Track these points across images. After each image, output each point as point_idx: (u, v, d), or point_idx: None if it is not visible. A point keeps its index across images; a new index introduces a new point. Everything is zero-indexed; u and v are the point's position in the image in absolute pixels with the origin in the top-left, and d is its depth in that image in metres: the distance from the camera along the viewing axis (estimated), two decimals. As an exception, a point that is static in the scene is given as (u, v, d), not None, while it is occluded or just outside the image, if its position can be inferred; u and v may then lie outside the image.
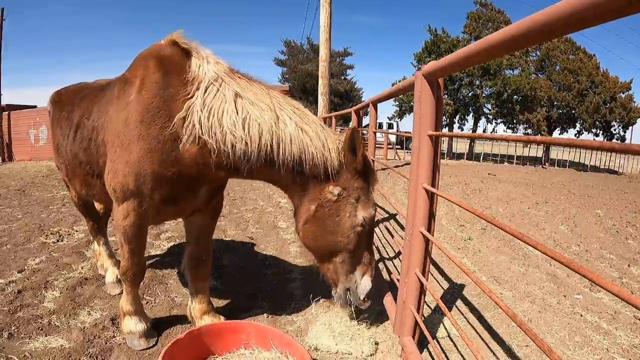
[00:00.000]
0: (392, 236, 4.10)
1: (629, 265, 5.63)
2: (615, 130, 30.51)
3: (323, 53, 15.74)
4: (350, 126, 7.42)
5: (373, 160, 5.31)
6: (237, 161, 2.59)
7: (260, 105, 2.57)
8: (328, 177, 2.66)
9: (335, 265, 2.86)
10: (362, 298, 2.91)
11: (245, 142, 2.52)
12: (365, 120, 17.29)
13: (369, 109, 5.26)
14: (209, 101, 2.55)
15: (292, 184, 2.75)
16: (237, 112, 2.53)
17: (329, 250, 2.81)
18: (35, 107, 23.49)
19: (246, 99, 2.58)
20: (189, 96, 2.58)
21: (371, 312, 3.46)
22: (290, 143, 2.55)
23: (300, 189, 2.74)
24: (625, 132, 30.50)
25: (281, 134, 2.55)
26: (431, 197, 2.58)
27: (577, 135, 31.48)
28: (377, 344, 3.04)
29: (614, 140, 30.10)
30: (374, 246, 2.99)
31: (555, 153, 32.24)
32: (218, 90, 2.58)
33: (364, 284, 2.88)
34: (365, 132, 11.14)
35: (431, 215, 2.61)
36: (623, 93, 28.82)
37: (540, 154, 31.76)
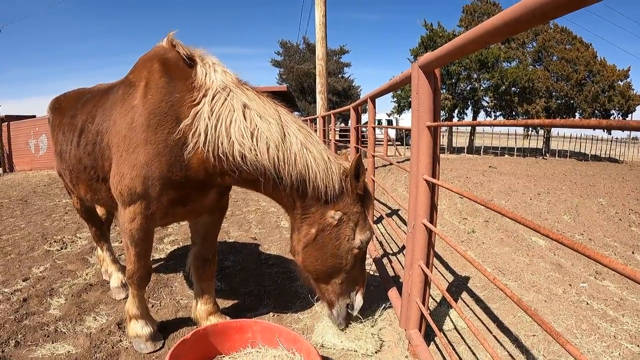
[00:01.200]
0: (395, 231, 4.09)
1: (633, 252, 5.62)
2: (614, 118, 30.45)
3: (319, 51, 15.71)
4: (349, 124, 7.42)
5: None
6: (244, 172, 2.59)
7: (268, 119, 2.56)
8: (328, 200, 2.67)
9: (332, 286, 2.91)
10: (355, 314, 3.04)
11: (255, 154, 2.51)
12: (364, 118, 17.28)
13: (367, 106, 5.24)
14: (217, 109, 2.54)
15: (293, 204, 2.75)
16: (245, 123, 2.53)
17: (327, 272, 2.85)
18: (34, 116, 23.47)
19: (254, 111, 2.56)
20: (195, 102, 2.57)
21: (377, 308, 3.46)
22: (295, 162, 2.55)
23: (301, 210, 2.74)
24: (624, 119, 30.46)
25: (287, 151, 2.54)
26: (432, 188, 2.58)
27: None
28: (382, 341, 3.04)
29: (613, 131, 30.11)
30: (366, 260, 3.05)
31: (556, 144, 32.20)
32: (226, 99, 2.57)
33: (357, 300, 3.00)
34: (364, 128, 11.17)
35: (433, 207, 2.61)
36: (621, 81, 28.74)
37: (540, 145, 31.71)
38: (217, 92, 2.58)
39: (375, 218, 6.33)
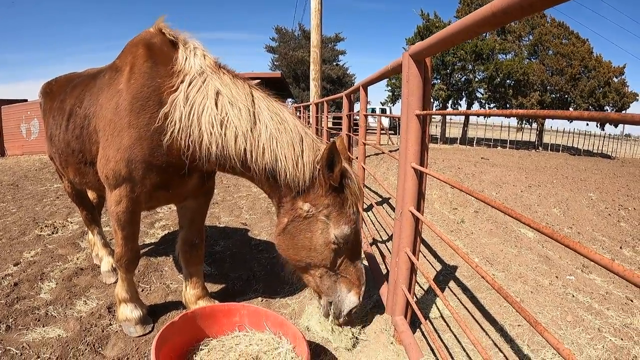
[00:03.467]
0: (385, 219, 4.12)
1: (620, 247, 5.70)
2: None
3: (314, 39, 15.61)
4: (342, 111, 7.41)
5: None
6: (217, 159, 2.58)
7: (238, 105, 2.51)
8: (300, 191, 2.56)
9: (315, 279, 2.76)
10: (345, 313, 2.76)
11: (222, 144, 2.49)
12: (357, 107, 17.29)
13: (360, 94, 5.24)
14: (192, 96, 2.52)
15: (269, 192, 2.72)
16: (216, 110, 2.50)
17: (302, 264, 2.72)
18: (26, 100, 23.24)
19: (226, 97, 2.53)
20: (174, 89, 2.56)
21: (365, 295, 3.49)
22: (263, 153, 2.49)
23: (277, 199, 2.68)
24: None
25: (255, 141, 2.49)
26: (420, 176, 2.60)
27: (570, 120, 31.48)
28: (365, 333, 3.04)
29: (606, 127, 30.27)
30: (362, 261, 2.82)
31: (549, 137, 32.34)
32: (202, 85, 2.55)
33: (350, 299, 2.73)
34: (357, 116, 11.12)
35: (420, 195, 2.63)
36: (616, 78, 28.87)
37: (533, 138, 31.85)
38: (194, 77, 2.56)
39: (365, 206, 6.35)
